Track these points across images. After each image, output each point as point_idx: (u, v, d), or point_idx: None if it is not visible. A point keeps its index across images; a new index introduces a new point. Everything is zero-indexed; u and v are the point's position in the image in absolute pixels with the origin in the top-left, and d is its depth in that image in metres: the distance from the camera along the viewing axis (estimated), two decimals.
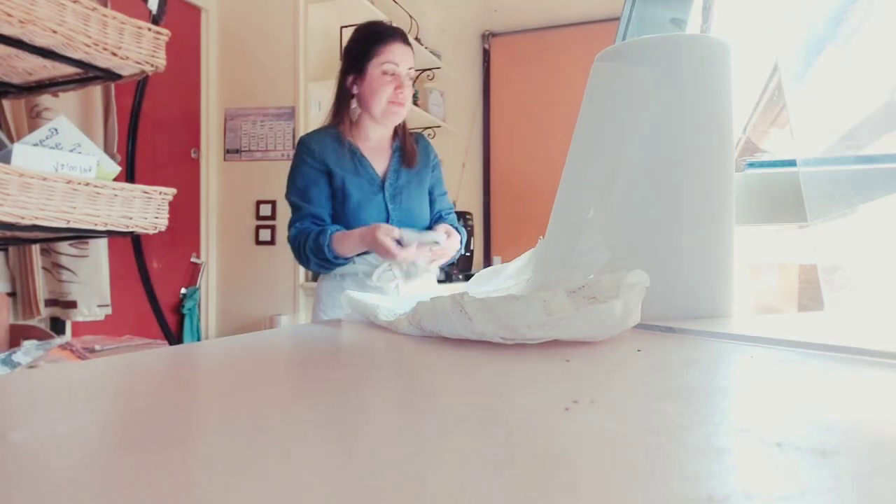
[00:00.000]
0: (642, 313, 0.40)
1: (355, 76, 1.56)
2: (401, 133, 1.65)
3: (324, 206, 1.54)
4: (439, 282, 2.01)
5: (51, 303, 2.27)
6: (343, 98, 1.60)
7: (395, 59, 1.54)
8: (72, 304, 2.26)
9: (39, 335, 2.02)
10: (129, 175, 1.75)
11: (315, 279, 3.42)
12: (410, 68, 1.58)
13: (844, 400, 0.24)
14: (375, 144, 1.62)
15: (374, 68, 1.54)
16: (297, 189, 1.54)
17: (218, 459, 0.17)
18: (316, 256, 1.46)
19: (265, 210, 3.36)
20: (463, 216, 3.35)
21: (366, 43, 1.56)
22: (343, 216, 1.55)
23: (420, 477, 0.15)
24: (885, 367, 0.28)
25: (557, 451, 0.17)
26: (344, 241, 1.44)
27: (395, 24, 1.65)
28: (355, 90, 1.58)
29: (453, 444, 0.18)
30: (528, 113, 3.92)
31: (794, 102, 0.62)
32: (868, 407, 0.23)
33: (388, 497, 0.14)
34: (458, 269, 3.45)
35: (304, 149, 1.55)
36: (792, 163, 0.62)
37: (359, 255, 1.50)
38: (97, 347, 1.99)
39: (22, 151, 1.29)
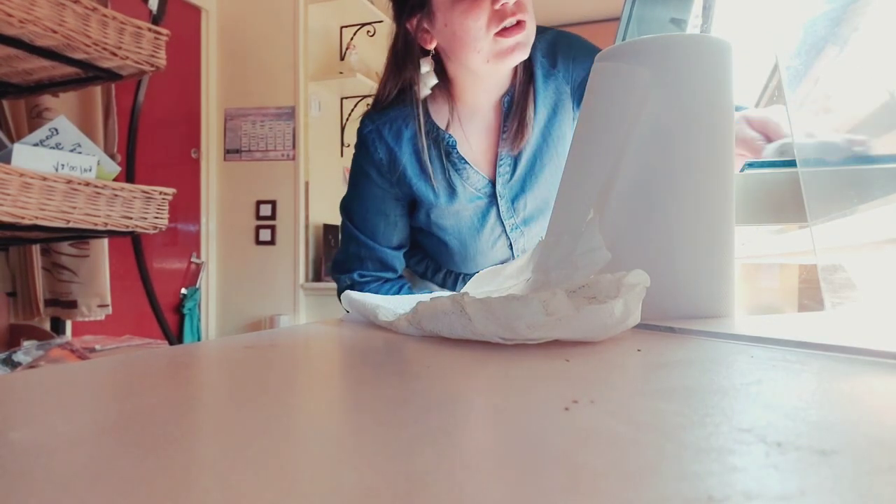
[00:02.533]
0: (642, 313, 0.40)
1: (420, 15, 0.91)
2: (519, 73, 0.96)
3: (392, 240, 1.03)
4: None
5: (51, 303, 2.27)
6: (408, 59, 0.93)
7: None
8: (72, 304, 2.26)
9: (39, 335, 2.02)
10: (129, 175, 1.75)
11: (316, 279, 3.43)
12: None
13: (844, 400, 0.24)
14: (481, 121, 0.98)
15: None
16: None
17: (218, 459, 0.17)
18: None
19: (265, 210, 3.36)
20: None
21: None
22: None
23: (419, 476, 0.15)
24: (885, 367, 0.28)
25: (557, 451, 0.17)
26: None
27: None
28: (427, 41, 0.92)
29: (452, 444, 0.18)
30: None
31: (793, 102, 0.62)
32: (868, 407, 0.23)
33: (386, 497, 0.14)
34: None
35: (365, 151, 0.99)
36: (792, 163, 0.62)
37: None
38: (97, 347, 1.99)
39: (22, 151, 1.29)
